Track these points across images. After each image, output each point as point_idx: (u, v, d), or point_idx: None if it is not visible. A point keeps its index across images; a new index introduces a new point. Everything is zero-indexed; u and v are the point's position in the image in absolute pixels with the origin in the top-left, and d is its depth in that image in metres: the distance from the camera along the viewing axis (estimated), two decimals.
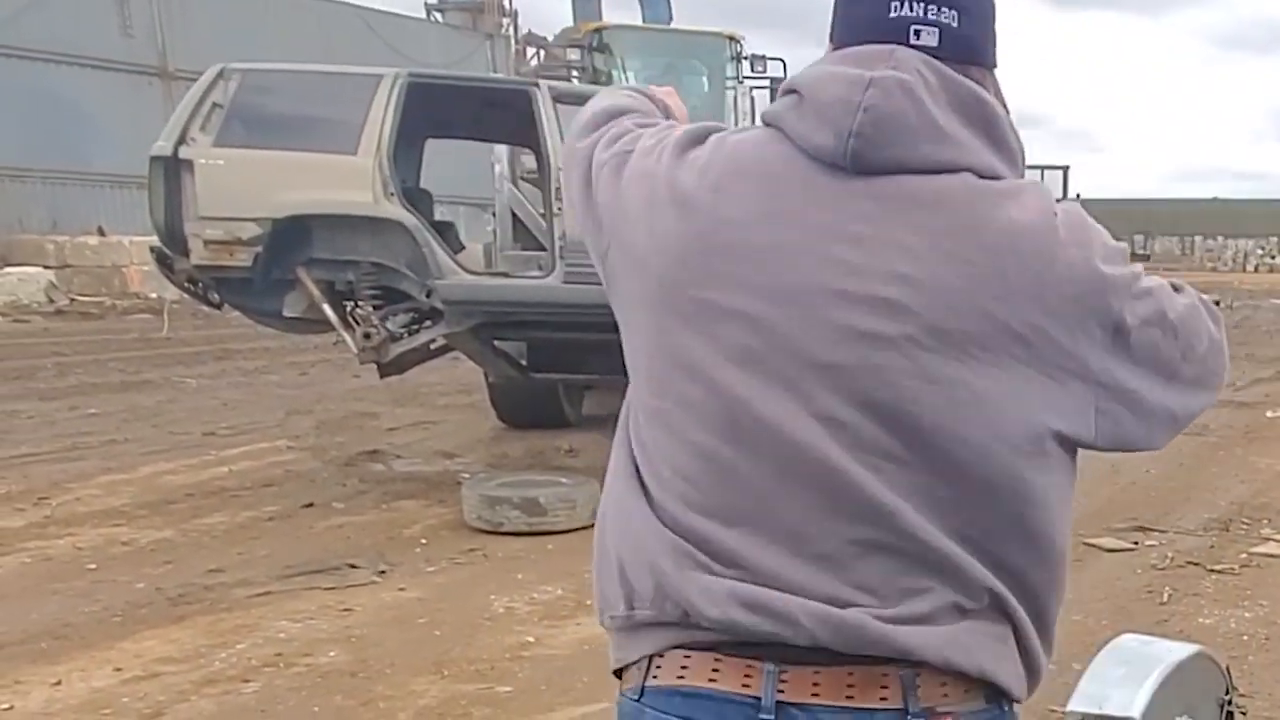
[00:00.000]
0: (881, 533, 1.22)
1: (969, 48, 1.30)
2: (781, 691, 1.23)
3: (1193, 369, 1.35)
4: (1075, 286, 1.24)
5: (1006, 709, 1.31)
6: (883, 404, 1.21)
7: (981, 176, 1.26)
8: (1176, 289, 1.37)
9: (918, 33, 1.28)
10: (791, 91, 1.31)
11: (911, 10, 1.27)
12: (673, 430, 1.27)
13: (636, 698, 1.31)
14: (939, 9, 1.28)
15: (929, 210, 1.24)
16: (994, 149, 1.29)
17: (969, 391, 1.21)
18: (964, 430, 1.22)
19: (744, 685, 1.24)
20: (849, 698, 1.23)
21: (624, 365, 1.37)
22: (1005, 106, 1.32)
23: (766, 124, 1.32)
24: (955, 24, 1.29)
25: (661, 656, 1.29)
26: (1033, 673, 1.34)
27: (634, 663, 1.32)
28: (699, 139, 1.32)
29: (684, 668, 1.27)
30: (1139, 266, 1.31)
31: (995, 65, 1.34)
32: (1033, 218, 1.25)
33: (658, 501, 1.28)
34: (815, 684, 1.23)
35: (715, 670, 1.26)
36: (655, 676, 1.29)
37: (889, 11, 1.28)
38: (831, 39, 1.35)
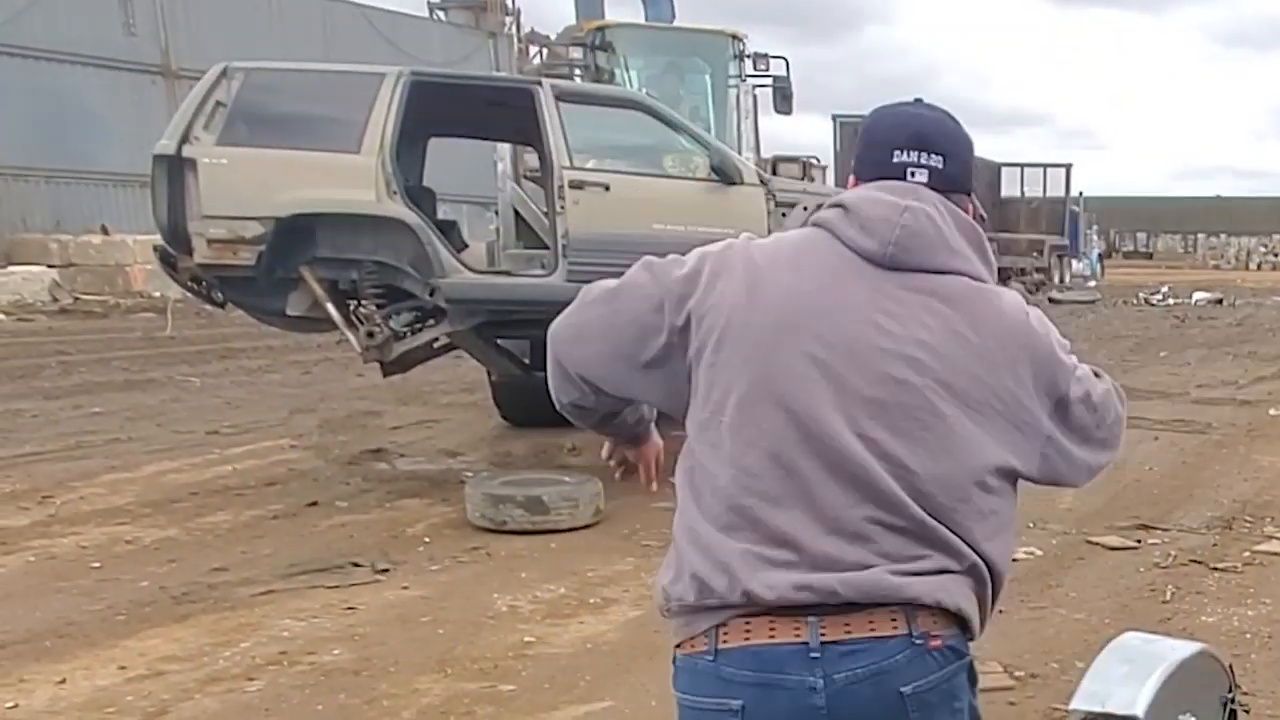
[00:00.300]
0: (897, 518, 1.73)
1: (952, 182, 1.86)
2: (823, 635, 1.71)
3: (1103, 434, 1.94)
4: (1039, 367, 1.82)
5: (969, 641, 1.88)
6: (903, 429, 1.73)
7: (974, 279, 1.82)
8: (1098, 375, 1.95)
9: (914, 173, 1.83)
10: (839, 206, 1.83)
11: (909, 157, 1.84)
12: (751, 443, 1.74)
13: (712, 658, 1.76)
14: (928, 155, 1.84)
15: (941, 299, 1.78)
16: (983, 262, 1.85)
17: (963, 428, 1.75)
18: (956, 453, 1.75)
19: (795, 635, 1.72)
20: (871, 631, 1.73)
21: None
22: (982, 216, 1.86)
23: (815, 225, 1.85)
24: (941, 166, 1.84)
25: (726, 626, 1.74)
26: (985, 618, 1.92)
27: (701, 633, 1.77)
28: (748, 242, 1.86)
29: (748, 632, 1.73)
30: (1075, 358, 1.89)
31: (971, 190, 1.90)
32: (1014, 313, 1.83)
33: (718, 516, 1.76)
34: (847, 625, 1.72)
35: (772, 629, 1.73)
36: (725, 641, 1.75)
37: (892, 158, 1.84)
38: (855, 174, 1.91)
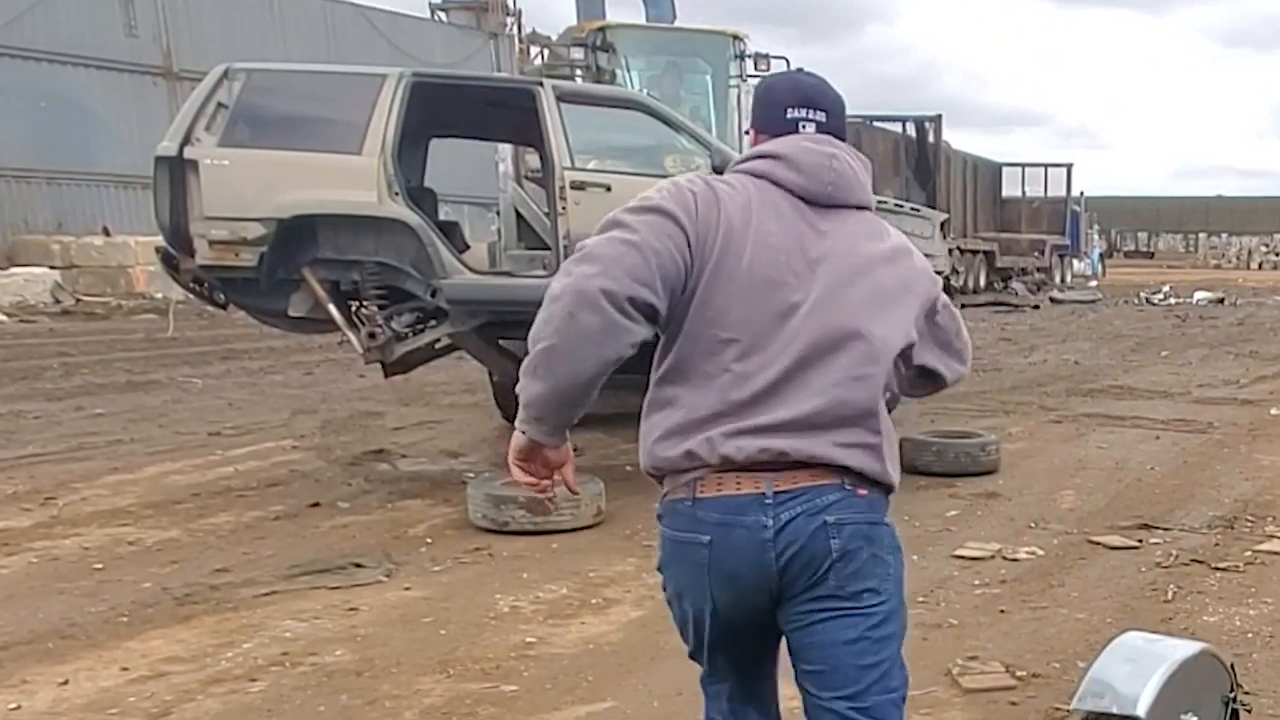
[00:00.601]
0: (839, 406, 2.26)
1: (835, 132, 2.39)
2: (776, 487, 2.24)
3: (959, 345, 2.55)
4: (926, 278, 2.43)
5: (888, 497, 2.39)
6: (846, 314, 2.26)
7: (872, 212, 2.42)
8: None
9: (804, 126, 2.35)
10: (771, 157, 2.32)
11: (799, 113, 2.36)
12: (750, 333, 2.23)
13: (690, 504, 2.26)
14: (814, 111, 2.37)
15: (860, 225, 2.36)
16: (871, 197, 2.43)
17: (888, 315, 2.31)
18: (883, 333, 2.29)
19: (755, 488, 2.24)
20: (813, 481, 2.26)
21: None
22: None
23: (755, 174, 2.32)
24: (824, 120, 2.38)
25: (703, 480, 2.25)
26: (898, 474, 2.40)
27: (683, 485, 2.27)
28: (710, 181, 2.33)
29: (719, 485, 2.24)
30: None
31: (845, 139, 2.41)
32: (903, 239, 2.44)
33: (707, 392, 2.23)
34: (794, 479, 2.25)
35: (738, 483, 2.24)
36: (702, 491, 2.25)
37: (785, 114, 2.36)
38: (755, 129, 2.41)
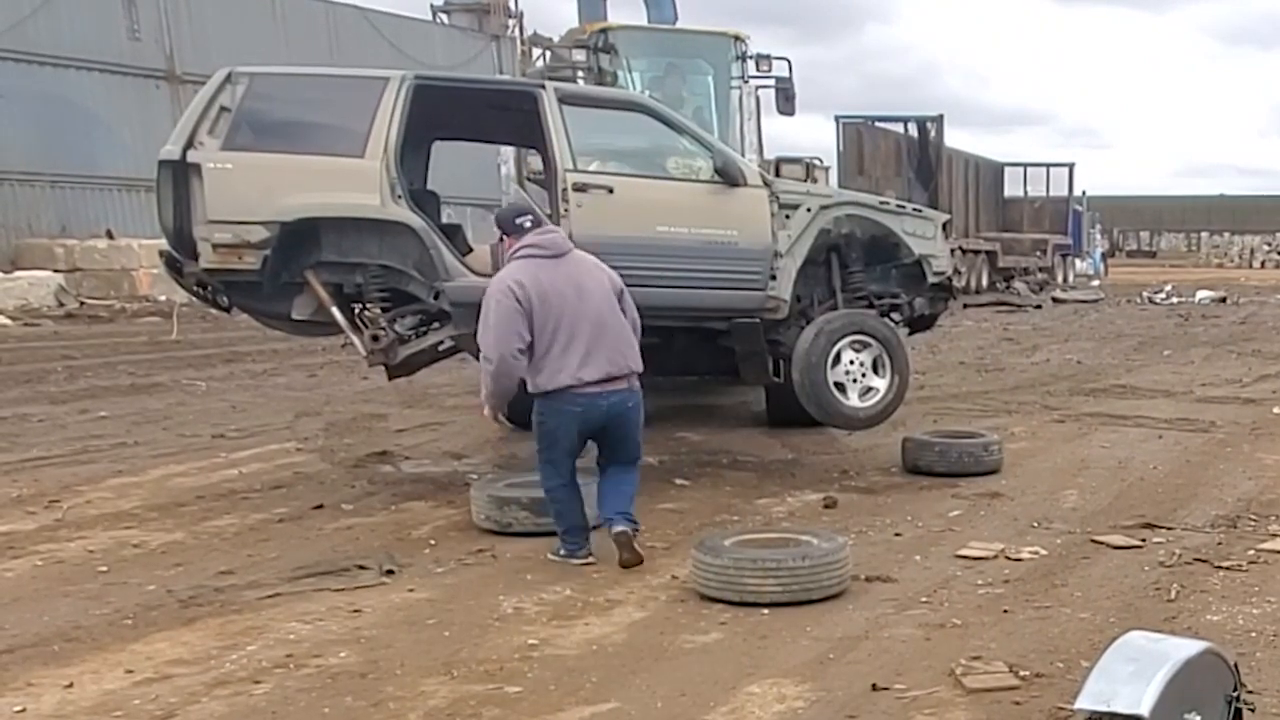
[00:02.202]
0: (627, 348, 5.76)
1: (538, 220, 5.87)
2: (609, 387, 5.64)
3: (631, 312, 5.87)
4: (612, 280, 5.81)
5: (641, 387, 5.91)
6: (604, 308, 5.69)
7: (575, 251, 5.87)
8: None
9: (523, 224, 5.74)
10: (533, 246, 5.65)
11: (521, 219, 5.76)
12: (566, 330, 5.58)
13: (567, 396, 5.60)
14: (526, 219, 5.77)
15: (580, 264, 5.75)
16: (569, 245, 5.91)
17: (614, 306, 5.75)
18: (614, 318, 5.75)
19: (600, 388, 5.62)
20: (626, 384, 5.73)
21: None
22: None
23: (524, 257, 5.64)
24: (527, 224, 5.76)
25: (575, 388, 5.58)
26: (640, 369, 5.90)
27: (560, 389, 5.57)
28: (518, 272, 5.61)
29: (583, 388, 5.59)
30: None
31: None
32: (595, 259, 5.87)
33: (564, 361, 5.60)
34: (617, 382, 5.67)
35: (591, 386, 5.61)
36: (574, 391, 5.59)
37: (514, 220, 5.78)
38: (505, 234, 5.84)
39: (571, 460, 5.70)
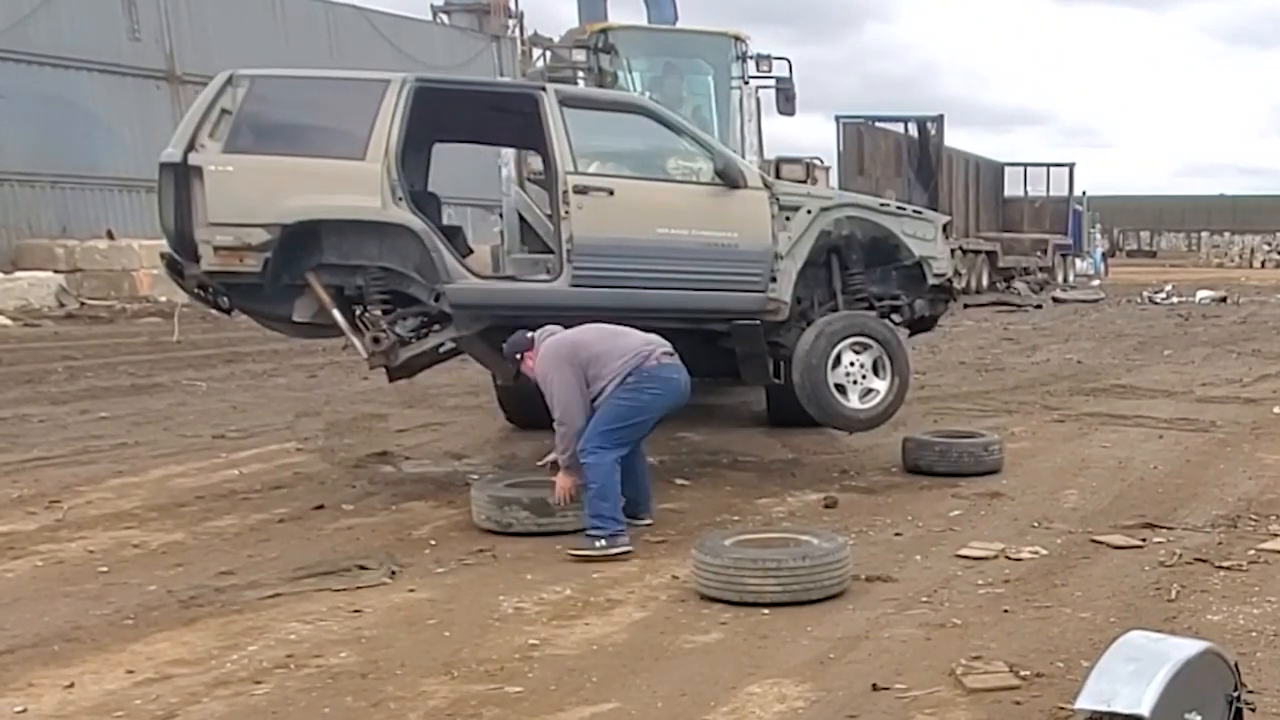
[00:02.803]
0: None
1: None
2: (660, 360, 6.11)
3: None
4: None
5: None
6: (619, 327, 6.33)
7: None
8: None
9: (528, 336, 6.14)
10: (546, 331, 6.10)
11: (523, 335, 6.18)
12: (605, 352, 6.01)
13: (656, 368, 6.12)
14: (526, 332, 6.18)
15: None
16: None
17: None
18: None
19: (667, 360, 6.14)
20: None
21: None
22: None
23: (548, 336, 6.04)
24: (530, 331, 6.23)
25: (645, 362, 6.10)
26: None
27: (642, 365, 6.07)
28: (561, 342, 6.04)
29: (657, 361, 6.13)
30: None
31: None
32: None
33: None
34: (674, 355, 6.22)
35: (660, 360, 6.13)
36: (652, 364, 6.06)
37: (521, 339, 6.21)
38: (515, 352, 6.22)
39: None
